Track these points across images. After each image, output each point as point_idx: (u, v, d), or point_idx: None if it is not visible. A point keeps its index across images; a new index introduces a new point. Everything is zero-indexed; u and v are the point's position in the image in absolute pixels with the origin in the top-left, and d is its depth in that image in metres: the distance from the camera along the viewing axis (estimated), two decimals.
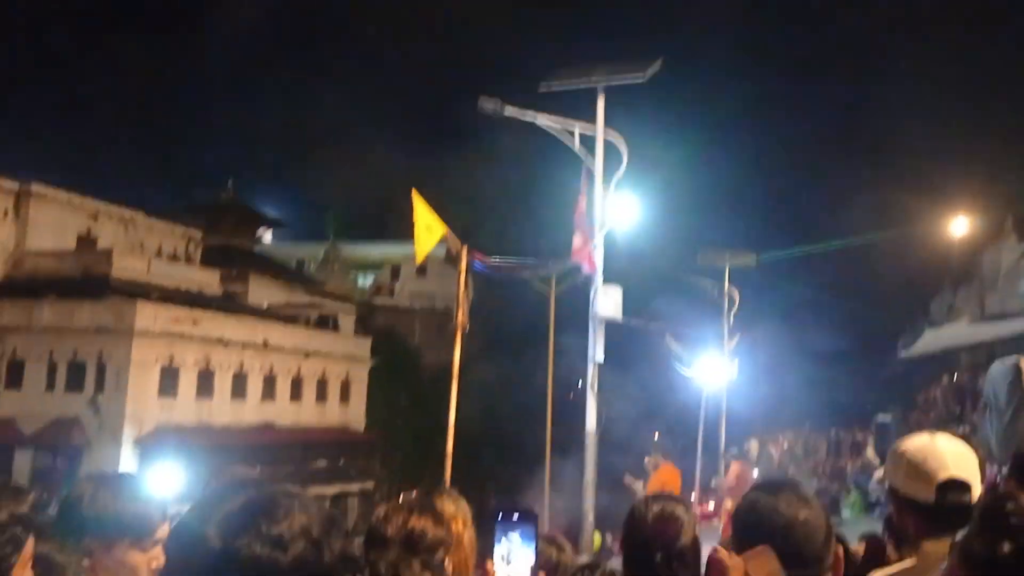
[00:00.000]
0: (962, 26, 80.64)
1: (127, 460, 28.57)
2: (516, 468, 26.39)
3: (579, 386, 15.87)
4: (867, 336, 31.80)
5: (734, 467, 13.92)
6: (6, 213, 34.65)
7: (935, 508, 2.19)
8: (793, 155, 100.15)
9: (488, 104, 12.65)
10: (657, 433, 37.37)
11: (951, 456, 2.26)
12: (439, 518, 2.43)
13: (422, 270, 49.37)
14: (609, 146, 12.97)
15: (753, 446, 25.83)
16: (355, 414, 41.27)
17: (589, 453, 12.32)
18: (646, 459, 11.36)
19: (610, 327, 12.82)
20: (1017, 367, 4.98)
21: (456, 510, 2.82)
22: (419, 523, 2.35)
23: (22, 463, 29.91)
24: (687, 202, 35.55)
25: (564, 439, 19.22)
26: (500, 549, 1.98)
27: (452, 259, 11.45)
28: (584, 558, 7.14)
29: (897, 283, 36.74)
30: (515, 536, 1.98)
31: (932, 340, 20.58)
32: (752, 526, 1.90)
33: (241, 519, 1.35)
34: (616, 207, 13.02)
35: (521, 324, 28.03)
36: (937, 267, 32.64)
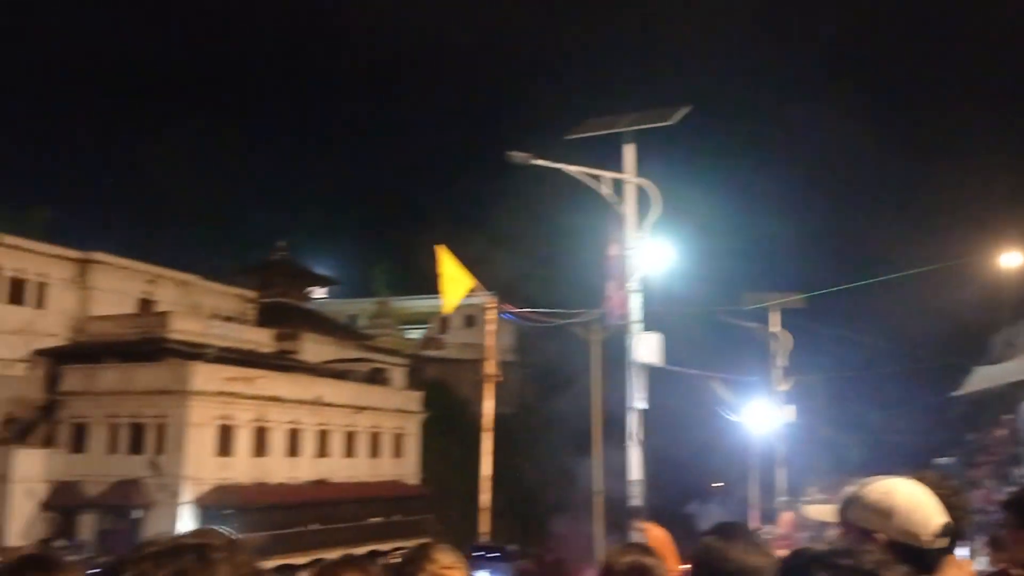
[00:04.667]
0: (1013, 53, 79.28)
1: (186, 520, 28.99)
2: (569, 517, 26.10)
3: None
4: (927, 377, 30.92)
5: (784, 517, 13.69)
6: (71, 281, 36.03)
7: (927, 552, 2.12)
8: (838, 192, 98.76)
9: (517, 156, 12.93)
10: (718, 484, 36.51)
11: (935, 502, 2.21)
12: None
13: (470, 321, 49.67)
14: (642, 193, 13.06)
15: (810, 493, 25.09)
16: (409, 468, 41.36)
17: (635, 502, 12.21)
18: (635, 523, 10.52)
19: (656, 374, 12.77)
20: None
21: (454, 560, 2.94)
22: None
23: (87, 525, 30.62)
24: (729, 246, 35.29)
25: (619, 488, 19.03)
26: None
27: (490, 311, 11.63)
28: None
29: (955, 320, 35.71)
30: (484, 574, 2.04)
31: (990, 377, 19.97)
32: (703, 568, 1.97)
33: None
34: (651, 253, 13.03)
35: (572, 372, 28.03)
36: (995, 302, 31.72)
